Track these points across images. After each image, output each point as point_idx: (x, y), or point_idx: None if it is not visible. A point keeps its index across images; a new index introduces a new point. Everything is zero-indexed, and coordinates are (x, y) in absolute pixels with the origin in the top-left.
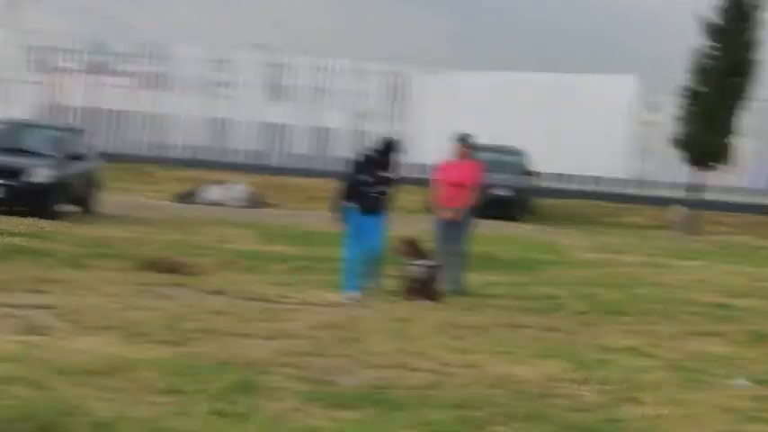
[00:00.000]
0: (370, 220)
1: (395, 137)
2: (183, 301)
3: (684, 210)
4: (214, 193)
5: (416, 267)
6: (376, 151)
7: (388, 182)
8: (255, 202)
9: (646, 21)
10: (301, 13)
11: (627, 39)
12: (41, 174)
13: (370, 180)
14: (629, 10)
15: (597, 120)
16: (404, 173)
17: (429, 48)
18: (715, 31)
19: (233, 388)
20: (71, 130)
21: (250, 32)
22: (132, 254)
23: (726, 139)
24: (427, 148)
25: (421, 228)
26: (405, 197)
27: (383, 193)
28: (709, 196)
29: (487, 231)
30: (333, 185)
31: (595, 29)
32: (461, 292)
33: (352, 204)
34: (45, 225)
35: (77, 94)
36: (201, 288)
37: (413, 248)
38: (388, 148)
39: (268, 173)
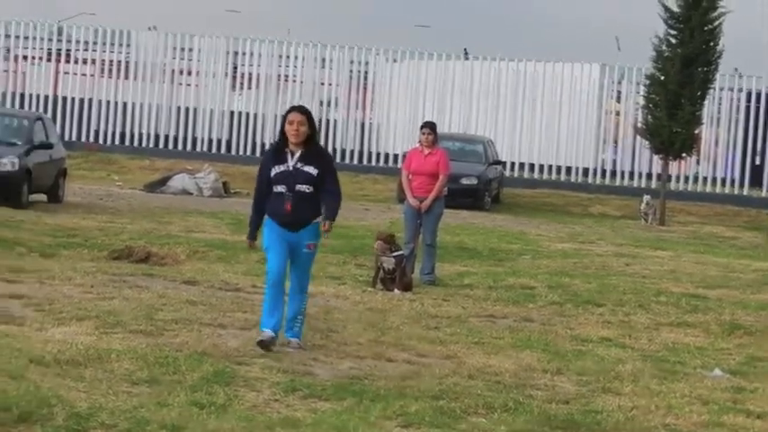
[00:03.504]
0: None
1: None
2: (156, 290)
3: (654, 200)
4: (182, 181)
5: (388, 258)
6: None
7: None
8: (223, 191)
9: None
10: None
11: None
12: (8, 162)
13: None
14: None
15: (563, 109)
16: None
17: (392, 34)
18: (675, 19)
19: (211, 378)
20: (36, 118)
21: (206, 18)
22: (103, 243)
23: (689, 129)
24: (393, 136)
25: (390, 217)
26: (372, 186)
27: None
28: (679, 186)
29: (456, 221)
30: None
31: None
32: (434, 282)
33: None
34: (13, 214)
35: (40, 82)
36: (174, 278)
37: (390, 243)
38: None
39: (235, 162)
